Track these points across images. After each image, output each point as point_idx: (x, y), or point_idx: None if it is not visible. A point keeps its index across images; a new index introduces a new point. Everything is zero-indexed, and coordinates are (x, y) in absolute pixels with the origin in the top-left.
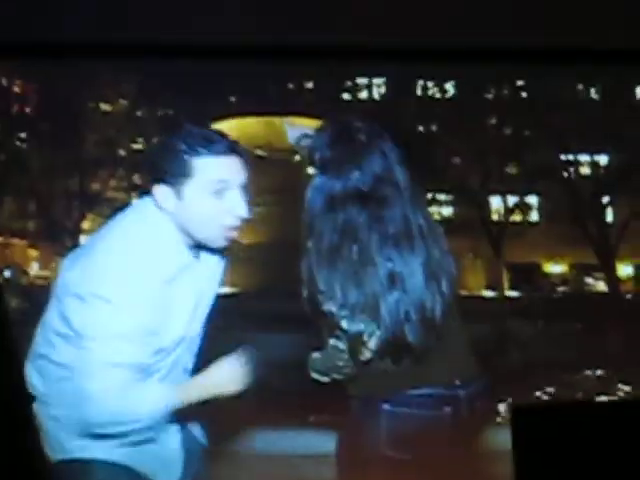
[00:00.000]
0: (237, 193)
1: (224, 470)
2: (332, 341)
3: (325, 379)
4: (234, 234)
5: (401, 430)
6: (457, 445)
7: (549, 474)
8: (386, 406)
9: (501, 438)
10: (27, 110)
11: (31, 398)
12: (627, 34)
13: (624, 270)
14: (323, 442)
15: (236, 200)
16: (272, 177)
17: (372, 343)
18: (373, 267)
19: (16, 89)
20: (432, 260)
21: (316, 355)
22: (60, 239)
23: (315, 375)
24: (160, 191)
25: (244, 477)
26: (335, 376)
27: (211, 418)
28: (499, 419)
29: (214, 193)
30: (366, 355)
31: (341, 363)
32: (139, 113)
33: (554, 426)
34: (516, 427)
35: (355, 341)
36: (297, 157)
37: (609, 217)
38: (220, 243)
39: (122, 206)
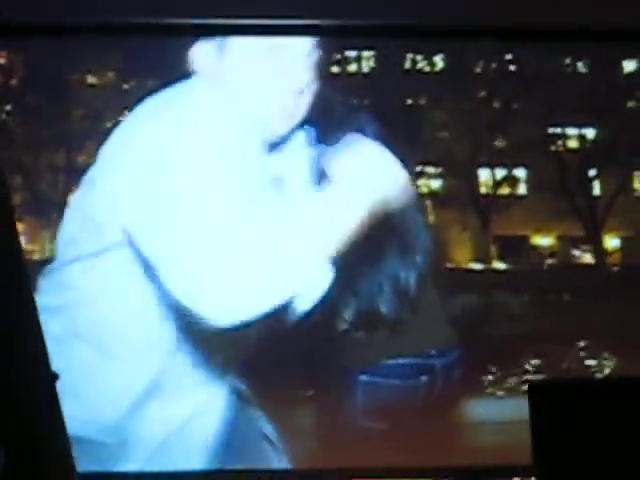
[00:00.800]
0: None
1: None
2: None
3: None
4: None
5: (377, 400)
6: (433, 414)
7: (567, 451)
8: (363, 377)
9: (481, 409)
10: (12, 83)
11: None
12: (615, 11)
13: (611, 243)
14: (302, 415)
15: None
16: None
17: (347, 314)
18: None
19: (1, 61)
20: (407, 233)
21: None
22: (46, 213)
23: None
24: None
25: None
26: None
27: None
28: (488, 390)
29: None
30: (341, 326)
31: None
32: (126, 86)
33: (572, 403)
34: (533, 404)
35: (330, 313)
36: None
37: (596, 190)
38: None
39: None
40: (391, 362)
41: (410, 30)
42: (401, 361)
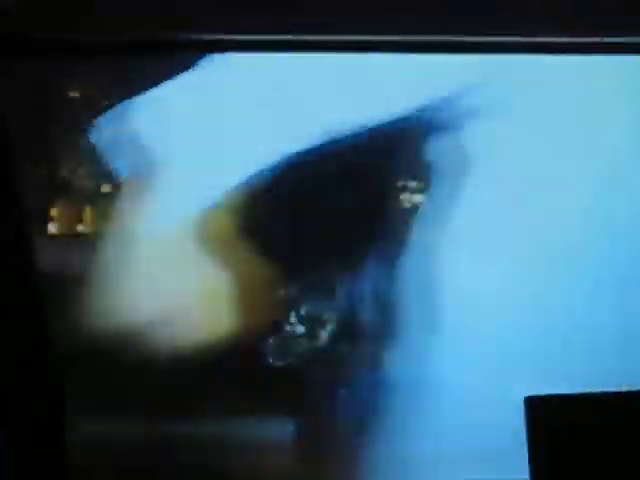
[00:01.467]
0: None
1: (178, 458)
2: (288, 327)
3: (280, 363)
4: None
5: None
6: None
7: (564, 464)
8: (343, 391)
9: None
10: None
11: None
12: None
13: None
14: (280, 428)
15: None
16: None
17: (329, 327)
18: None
19: None
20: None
21: (272, 340)
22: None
23: (271, 360)
24: None
25: (201, 464)
26: (291, 361)
27: (163, 405)
28: None
29: None
30: (322, 339)
31: (298, 348)
32: (108, 102)
33: (567, 416)
34: (530, 418)
35: (312, 326)
36: None
37: None
38: None
39: (91, 194)
40: (371, 376)
41: (394, 43)
42: (381, 375)
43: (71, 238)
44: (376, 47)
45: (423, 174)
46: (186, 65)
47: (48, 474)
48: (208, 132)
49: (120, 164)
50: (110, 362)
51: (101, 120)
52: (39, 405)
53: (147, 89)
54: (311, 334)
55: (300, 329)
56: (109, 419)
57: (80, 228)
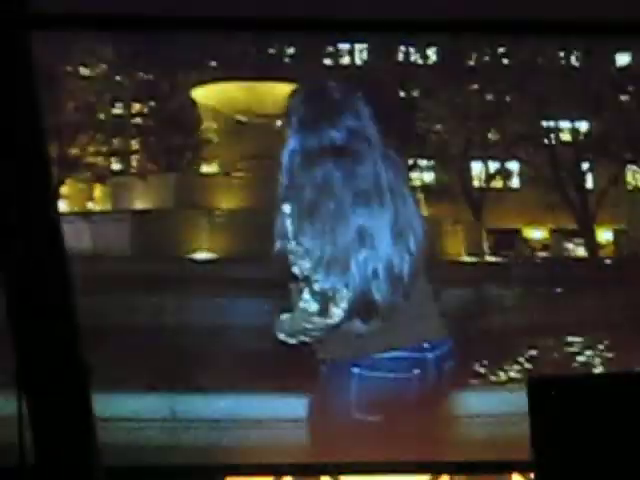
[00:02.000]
0: None
1: (195, 434)
2: (301, 303)
3: (292, 341)
4: None
5: (371, 393)
6: (426, 407)
7: (567, 445)
8: (356, 370)
9: (473, 401)
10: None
11: None
12: (609, 3)
13: (604, 235)
14: (294, 405)
15: None
16: (253, 142)
17: (341, 304)
18: (345, 224)
19: None
20: (400, 218)
21: (285, 317)
22: None
23: (283, 337)
24: None
25: (215, 441)
26: (303, 338)
27: (183, 383)
28: (476, 382)
29: None
30: (335, 317)
31: (309, 325)
32: (118, 77)
33: (570, 397)
34: (533, 399)
35: (325, 302)
36: (278, 122)
37: (589, 183)
38: None
39: (101, 171)
40: (384, 355)
41: (403, 23)
42: (394, 354)
43: (81, 215)
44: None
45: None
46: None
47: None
48: None
49: None
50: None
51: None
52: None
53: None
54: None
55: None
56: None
57: (90, 205)
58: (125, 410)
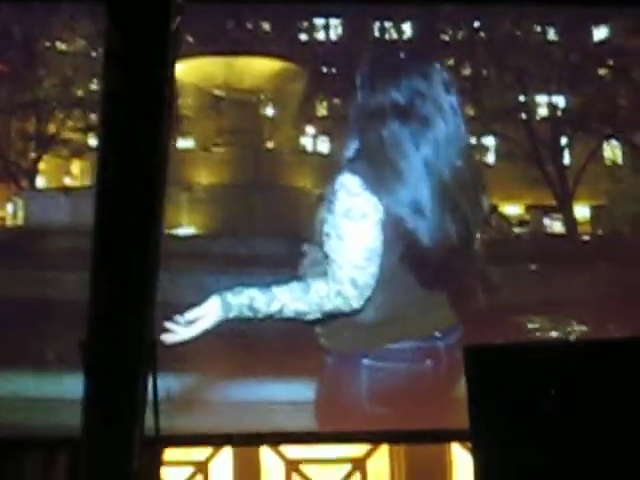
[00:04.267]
0: None
1: (200, 418)
2: (330, 283)
3: (299, 315)
4: None
5: (381, 384)
6: (439, 397)
7: (502, 413)
8: (366, 361)
9: None
10: None
11: None
12: None
13: (581, 212)
14: (299, 390)
15: None
16: (231, 117)
17: (366, 292)
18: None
19: None
20: (460, 207)
21: (299, 289)
22: (16, 180)
23: (292, 308)
24: None
25: (220, 425)
26: (310, 317)
27: (187, 367)
28: None
29: None
30: (356, 303)
31: (328, 305)
32: (95, 53)
33: (506, 365)
34: (468, 367)
35: (354, 288)
36: (255, 98)
37: (567, 159)
38: None
39: (79, 147)
40: (394, 346)
41: None
42: (404, 344)
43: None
44: None
45: None
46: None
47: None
48: None
49: None
50: None
51: None
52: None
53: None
54: None
55: None
56: None
57: (68, 181)
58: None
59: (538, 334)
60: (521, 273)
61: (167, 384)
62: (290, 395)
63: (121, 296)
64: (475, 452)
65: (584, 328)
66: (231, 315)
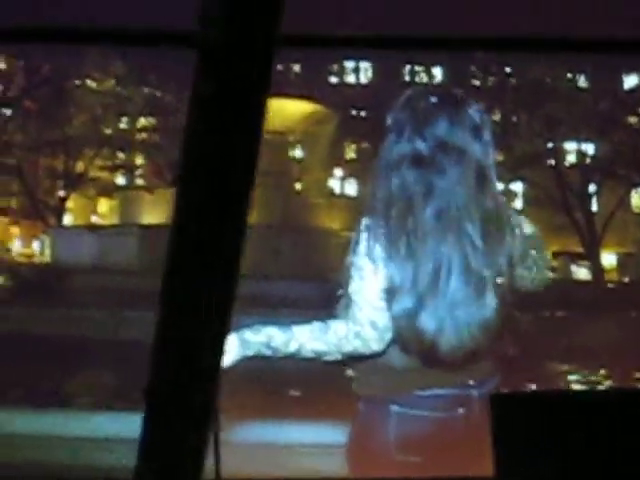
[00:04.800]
0: None
1: (229, 459)
2: (350, 324)
3: (319, 356)
4: None
5: (411, 433)
6: (471, 448)
7: (528, 462)
8: (395, 407)
9: None
10: (12, 87)
11: None
12: (614, 23)
13: (608, 259)
14: (329, 434)
15: None
16: (262, 158)
17: (386, 335)
18: (421, 247)
19: (1, 65)
20: (477, 255)
21: (320, 329)
22: (43, 218)
23: (310, 349)
24: None
25: (249, 466)
26: (330, 358)
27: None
28: None
29: None
30: (375, 346)
31: (347, 347)
32: (125, 92)
33: (532, 413)
34: (495, 415)
35: (374, 329)
36: (284, 139)
37: (595, 206)
38: None
39: (106, 186)
40: (425, 392)
41: (408, 41)
42: (436, 392)
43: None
44: None
45: None
46: None
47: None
48: None
49: None
50: None
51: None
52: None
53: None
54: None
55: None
56: None
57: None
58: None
59: (564, 380)
60: (547, 320)
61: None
62: (320, 438)
63: (191, 337)
64: None
65: (609, 374)
66: (249, 353)
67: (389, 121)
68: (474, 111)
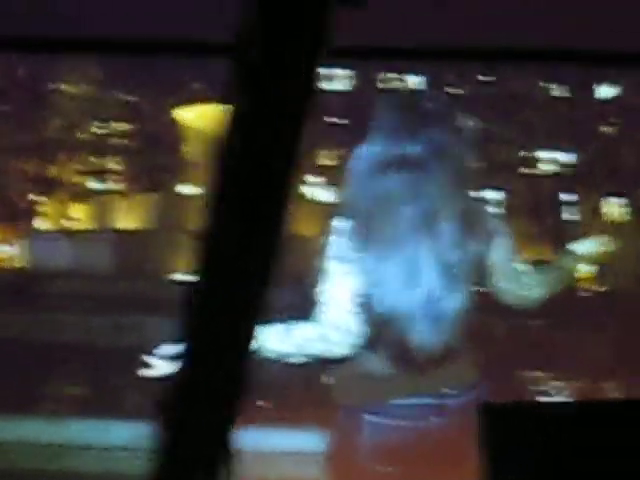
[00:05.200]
0: None
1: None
2: (317, 327)
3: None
4: None
5: (387, 442)
6: (445, 458)
7: (517, 472)
8: (371, 417)
9: None
10: None
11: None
12: (594, 35)
13: (584, 268)
14: (308, 440)
15: None
16: None
17: (357, 339)
18: (398, 249)
19: None
20: (456, 258)
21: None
22: (17, 222)
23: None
24: None
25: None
26: (300, 359)
27: None
28: None
29: None
30: (344, 349)
31: (315, 348)
32: (101, 97)
33: (522, 425)
34: (484, 425)
35: (343, 333)
36: None
37: (569, 214)
38: None
39: (81, 191)
40: (400, 402)
41: (387, 50)
42: (411, 401)
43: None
44: None
45: None
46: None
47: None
48: None
49: None
50: None
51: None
52: None
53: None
54: None
55: None
56: None
57: (67, 224)
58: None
59: (541, 389)
60: (523, 328)
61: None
62: (300, 445)
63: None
64: None
65: (585, 384)
66: None
67: (375, 124)
68: (460, 116)
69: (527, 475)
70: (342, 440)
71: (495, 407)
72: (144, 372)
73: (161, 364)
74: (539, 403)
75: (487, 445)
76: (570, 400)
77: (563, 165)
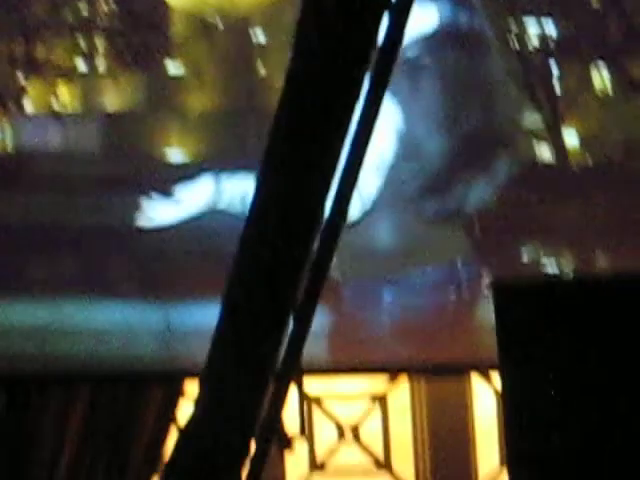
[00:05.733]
0: None
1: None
2: None
3: None
4: None
5: (402, 315)
6: (464, 334)
7: (531, 349)
8: (385, 291)
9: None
10: None
11: None
12: None
13: (571, 140)
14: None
15: None
16: (222, 44)
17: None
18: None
19: None
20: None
21: None
22: (3, 104)
23: None
24: None
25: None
26: None
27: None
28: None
29: None
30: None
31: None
32: None
33: (535, 302)
34: (498, 303)
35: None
36: (247, 24)
37: (558, 86)
38: None
39: (67, 71)
40: (413, 275)
41: None
42: (424, 274)
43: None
44: None
45: None
46: None
47: None
48: None
49: None
50: None
51: None
52: None
53: None
54: None
55: None
56: None
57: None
58: (116, 320)
59: (533, 262)
60: (515, 201)
61: (167, 315)
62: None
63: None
64: (504, 385)
65: (577, 256)
66: (220, 206)
67: None
68: None
69: (544, 352)
70: (355, 316)
71: (508, 285)
72: (144, 222)
73: (163, 212)
74: (551, 279)
75: (501, 322)
76: (585, 275)
77: (550, 37)
